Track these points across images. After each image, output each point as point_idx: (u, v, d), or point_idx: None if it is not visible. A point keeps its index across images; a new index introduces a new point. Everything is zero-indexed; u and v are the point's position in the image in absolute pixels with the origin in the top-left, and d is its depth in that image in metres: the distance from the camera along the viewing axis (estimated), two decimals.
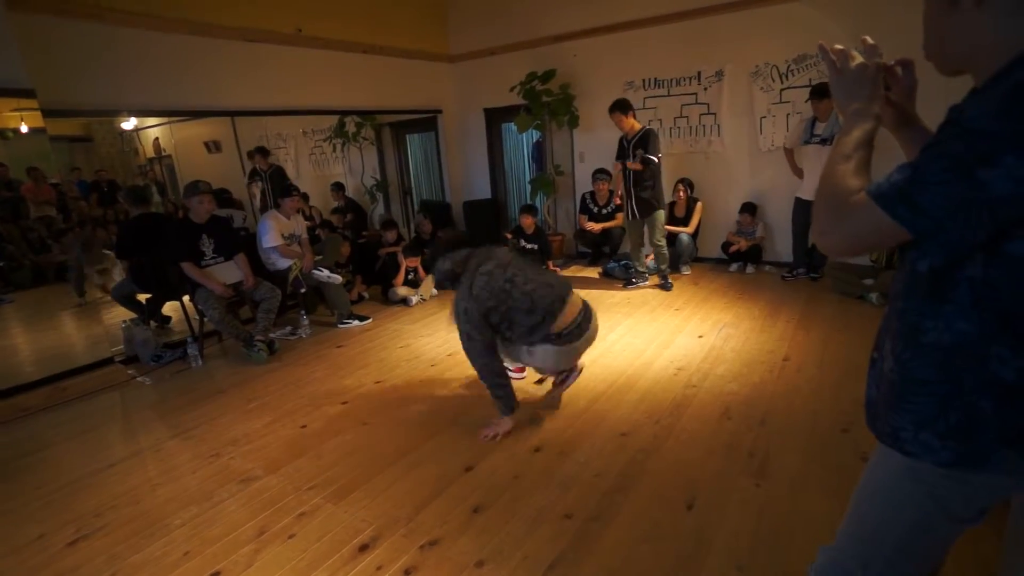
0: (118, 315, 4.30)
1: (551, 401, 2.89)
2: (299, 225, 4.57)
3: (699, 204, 5.38)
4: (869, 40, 0.94)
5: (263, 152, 5.48)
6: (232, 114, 4.79)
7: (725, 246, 5.38)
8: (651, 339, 3.68)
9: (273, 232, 4.30)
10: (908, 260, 0.88)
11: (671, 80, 5.49)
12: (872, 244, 0.85)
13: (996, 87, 0.73)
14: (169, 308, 4.55)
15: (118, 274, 4.54)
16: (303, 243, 4.54)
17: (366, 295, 5.34)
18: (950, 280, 0.81)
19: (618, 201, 5.15)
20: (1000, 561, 1.05)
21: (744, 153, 5.32)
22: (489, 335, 2.50)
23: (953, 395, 0.82)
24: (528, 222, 5.66)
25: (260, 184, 5.51)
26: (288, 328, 4.47)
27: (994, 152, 0.68)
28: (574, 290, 2.67)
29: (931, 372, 0.84)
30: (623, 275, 5.25)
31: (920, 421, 0.86)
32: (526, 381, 3.14)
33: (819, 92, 4.28)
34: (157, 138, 5.60)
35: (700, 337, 3.66)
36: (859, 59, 0.94)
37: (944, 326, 0.82)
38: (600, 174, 5.59)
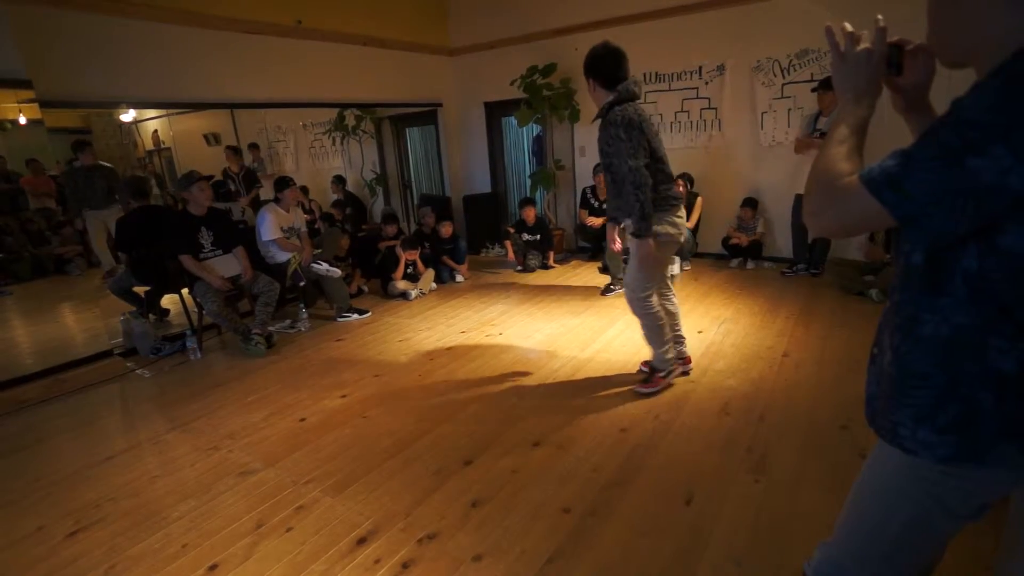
0: (117, 308, 4.29)
1: None
2: (298, 218, 4.56)
3: (699, 199, 5.36)
4: (881, 21, 0.93)
5: (234, 150, 5.43)
6: (231, 106, 4.78)
7: (725, 241, 5.37)
8: None
9: (272, 225, 4.29)
10: (903, 253, 0.88)
11: (672, 74, 5.47)
12: (861, 227, 0.86)
13: (994, 80, 0.72)
14: (168, 301, 4.54)
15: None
16: (302, 236, 4.53)
17: (365, 289, 5.34)
18: (946, 272, 0.81)
19: None
20: (997, 556, 1.05)
21: (745, 148, 5.30)
22: None
23: (952, 388, 0.82)
24: (530, 213, 5.67)
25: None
26: (287, 321, 4.46)
27: (984, 141, 0.68)
28: None
29: (930, 365, 0.84)
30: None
31: (919, 416, 0.85)
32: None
33: (828, 84, 4.26)
34: (156, 130, 5.58)
35: (700, 332, 3.66)
36: (866, 43, 0.93)
37: (942, 318, 0.82)
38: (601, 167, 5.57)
